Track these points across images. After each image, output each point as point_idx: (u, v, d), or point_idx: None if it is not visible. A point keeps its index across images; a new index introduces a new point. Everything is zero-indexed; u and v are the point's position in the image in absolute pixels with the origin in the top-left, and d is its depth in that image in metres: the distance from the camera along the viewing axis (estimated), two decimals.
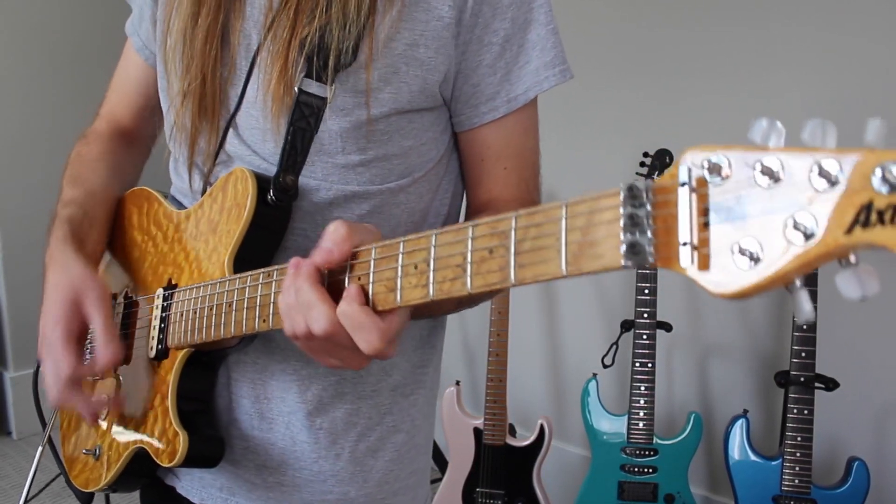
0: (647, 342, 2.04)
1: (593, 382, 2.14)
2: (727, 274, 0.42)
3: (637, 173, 2.07)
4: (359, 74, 0.82)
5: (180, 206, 0.98)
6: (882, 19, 1.92)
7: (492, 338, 2.20)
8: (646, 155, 2.08)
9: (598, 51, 2.42)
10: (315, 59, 0.81)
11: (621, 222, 0.48)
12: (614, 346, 2.18)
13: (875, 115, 0.41)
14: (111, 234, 1.04)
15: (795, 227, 0.40)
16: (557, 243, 0.51)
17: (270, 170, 0.86)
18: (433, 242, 0.61)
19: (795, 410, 1.84)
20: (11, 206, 3.05)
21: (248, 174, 0.83)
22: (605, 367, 2.19)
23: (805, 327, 1.83)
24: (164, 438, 0.87)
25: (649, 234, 0.46)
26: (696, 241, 0.44)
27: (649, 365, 2.03)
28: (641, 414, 2.05)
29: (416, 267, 0.62)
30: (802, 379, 1.83)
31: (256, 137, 0.88)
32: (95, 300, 0.88)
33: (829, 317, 1.89)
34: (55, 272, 0.91)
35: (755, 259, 0.41)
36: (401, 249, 0.64)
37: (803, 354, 1.84)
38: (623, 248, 0.47)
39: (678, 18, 2.26)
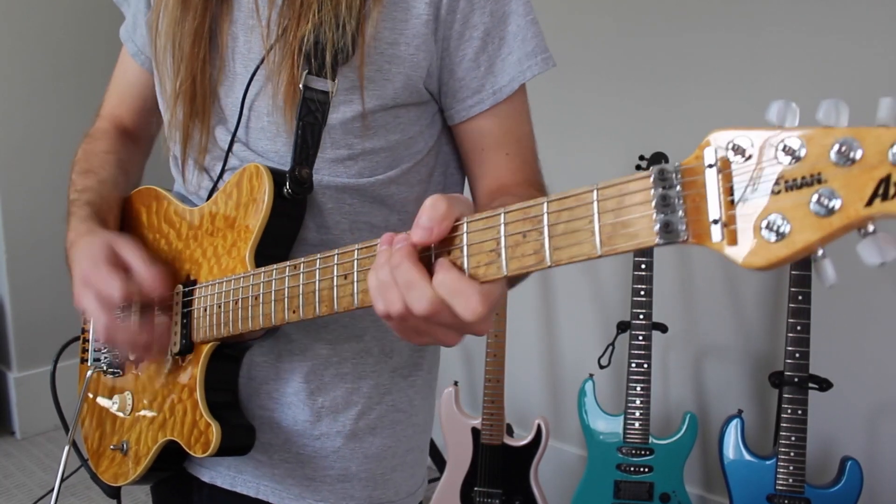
0: (643, 343, 2.06)
1: (590, 383, 2.15)
2: (755, 248, 0.45)
3: None
4: (349, 72, 0.86)
5: (186, 202, 1.00)
6: (872, 24, 1.95)
7: (489, 339, 2.21)
8: (641, 158, 2.11)
9: (594, 55, 2.45)
10: (313, 57, 0.84)
11: (653, 203, 0.50)
12: (610, 347, 2.20)
13: (868, 116, 0.44)
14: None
15: (818, 201, 0.43)
16: (591, 225, 0.54)
17: (277, 166, 0.89)
18: (465, 230, 0.63)
19: (789, 410, 1.86)
20: (15, 208, 3.06)
21: (264, 169, 0.86)
22: (601, 367, 2.22)
23: (799, 328, 1.86)
24: (195, 430, 0.89)
25: (680, 213, 0.49)
26: (724, 219, 0.47)
27: (645, 366, 2.06)
28: (637, 414, 2.06)
29: (449, 254, 0.64)
30: (796, 379, 1.86)
31: (259, 139, 0.91)
32: (134, 247, 0.90)
33: (822, 318, 1.92)
34: (83, 244, 0.92)
35: (780, 233, 0.44)
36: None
37: (797, 355, 1.86)
38: (657, 226, 0.50)
39: (673, 23, 2.29)
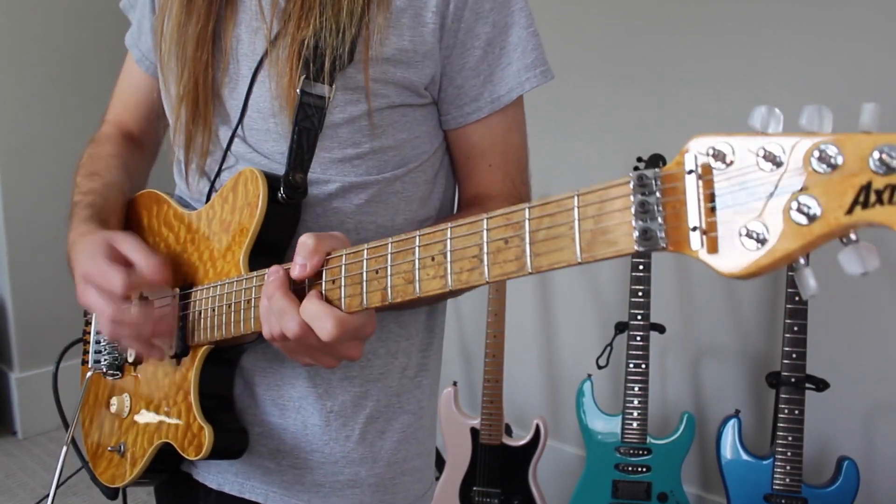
0: (641, 343, 2.06)
1: (588, 383, 2.16)
2: (736, 255, 0.45)
3: None
4: (354, 75, 0.86)
5: (187, 206, 1.00)
6: (871, 25, 1.95)
7: (488, 339, 2.21)
8: (639, 160, 2.11)
9: (593, 56, 2.45)
10: (312, 62, 0.85)
11: (632, 209, 0.50)
12: (609, 348, 2.20)
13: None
14: None
15: (799, 209, 0.42)
16: (571, 232, 0.54)
17: (275, 169, 0.89)
18: (448, 235, 0.63)
19: (786, 410, 1.86)
20: (17, 209, 3.06)
21: (258, 174, 0.86)
22: (599, 368, 2.22)
23: (796, 329, 1.86)
24: (189, 433, 0.89)
25: (660, 219, 0.48)
26: (704, 226, 0.46)
27: (643, 366, 2.05)
28: (635, 414, 2.06)
29: (433, 259, 0.64)
30: (793, 380, 1.86)
31: (262, 140, 0.90)
32: (132, 241, 0.89)
33: (819, 318, 1.92)
34: (82, 243, 0.91)
35: (761, 241, 0.44)
36: (417, 243, 0.67)
37: (794, 356, 1.86)
38: (636, 234, 0.49)
39: (672, 24, 2.28)
